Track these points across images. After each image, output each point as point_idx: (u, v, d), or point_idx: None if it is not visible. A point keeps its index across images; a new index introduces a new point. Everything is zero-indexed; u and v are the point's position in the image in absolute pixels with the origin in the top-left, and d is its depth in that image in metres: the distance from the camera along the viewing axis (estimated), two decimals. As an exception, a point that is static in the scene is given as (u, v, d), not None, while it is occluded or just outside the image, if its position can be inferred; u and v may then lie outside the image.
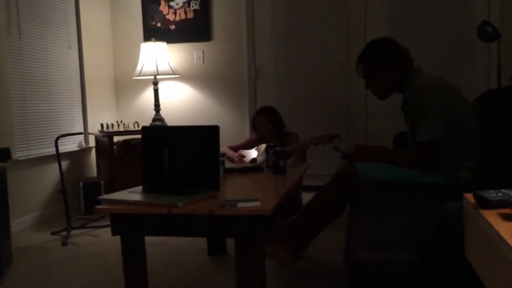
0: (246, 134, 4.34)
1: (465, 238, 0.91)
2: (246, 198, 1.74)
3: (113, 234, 1.82)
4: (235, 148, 3.50)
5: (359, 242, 1.21)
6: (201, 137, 1.95)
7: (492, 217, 0.76)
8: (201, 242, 2.93)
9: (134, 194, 1.90)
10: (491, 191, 0.82)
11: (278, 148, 2.42)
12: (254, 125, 3.43)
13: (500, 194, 0.80)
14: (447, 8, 3.98)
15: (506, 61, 3.62)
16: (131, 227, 1.79)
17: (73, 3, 4.15)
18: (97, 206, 1.80)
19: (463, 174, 2.10)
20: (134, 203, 1.79)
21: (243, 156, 3.37)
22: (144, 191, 1.96)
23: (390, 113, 3.98)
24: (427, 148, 2.10)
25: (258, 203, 1.66)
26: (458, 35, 3.98)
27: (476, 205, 0.83)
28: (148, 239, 2.76)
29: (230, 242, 2.82)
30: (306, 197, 2.83)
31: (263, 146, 3.35)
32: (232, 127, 4.43)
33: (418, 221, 1.31)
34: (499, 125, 2.16)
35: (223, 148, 3.41)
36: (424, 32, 4.02)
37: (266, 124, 3.34)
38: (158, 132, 2.09)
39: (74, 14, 4.17)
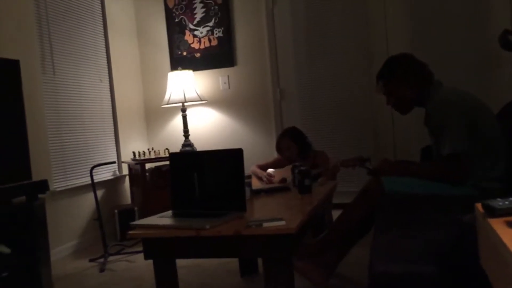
0: (274, 154, 4.37)
1: (479, 246, 0.92)
2: (271, 218, 1.79)
3: (146, 258, 1.89)
4: (264, 167, 3.52)
5: (380, 255, 1.23)
6: (227, 160, 2.02)
7: (498, 225, 0.78)
8: (233, 263, 2.96)
9: (164, 219, 1.97)
10: (499, 199, 0.84)
11: (303, 168, 2.45)
12: (279, 149, 3.43)
13: (507, 203, 0.82)
14: (468, 18, 3.96)
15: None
16: (162, 250, 1.85)
17: (103, 37, 4.35)
18: (130, 232, 1.88)
19: (488, 185, 2.08)
20: (164, 227, 1.86)
21: (272, 176, 3.41)
22: (174, 215, 2.03)
23: (418, 127, 3.95)
24: (453, 161, 2.09)
25: (283, 222, 1.70)
26: (480, 45, 3.94)
27: (484, 214, 0.85)
28: (182, 262, 2.82)
29: (261, 262, 2.85)
30: (337, 215, 2.84)
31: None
32: (259, 148, 4.49)
33: (440, 233, 1.32)
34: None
35: (252, 167, 3.45)
36: (446, 44, 4.00)
37: (290, 145, 3.34)
38: (185, 158, 2.17)
39: (104, 47, 4.36)
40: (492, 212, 0.82)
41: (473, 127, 2.09)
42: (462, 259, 1.02)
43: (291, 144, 3.34)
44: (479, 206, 0.89)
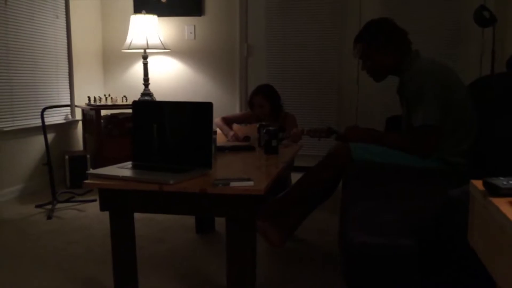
0: (237, 110, 4.29)
1: (470, 225, 0.89)
2: (238, 177, 1.72)
3: (102, 209, 1.78)
4: (230, 120, 3.41)
5: (356, 225, 1.20)
6: (194, 114, 1.91)
7: (503, 205, 0.74)
8: (189, 219, 2.90)
9: (124, 170, 1.85)
10: (501, 178, 0.80)
11: (271, 128, 2.38)
12: (251, 105, 3.33)
13: (511, 182, 0.78)
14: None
15: (500, 47, 3.61)
16: (120, 203, 1.75)
17: (62, -30, 4.02)
18: (85, 181, 1.76)
19: (455, 160, 2.10)
20: (124, 178, 1.75)
21: (238, 138, 3.31)
22: (134, 167, 1.92)
23: (382, 95, 3.96)
24: (423, 133, 2.07)
25: (251, 183, 1.64)
26: (453, 20, 3.95)
27: (485, 193, 0.81)
28: (136, 215, 2.73)
29: (218, 220, 2.80)
30: (296, 177, 2.81)
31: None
32: (222, 103, 4.37)
33: (415, 205, 1.30)
34: (491, 111, 2.15)
35: (217, 119, 3.33)
36: (419, 16, 3.98)
37: (264, 104, 3.23)
38: (150, 107, 2.04)
39: (62, -18, 4.03)
40: (496, 191, 0.77)
41: (448, 101, 2.08)
42: (445, 234, 1.00)
43: (264, 102, 3.24)
44: (477, 183, 0.85)
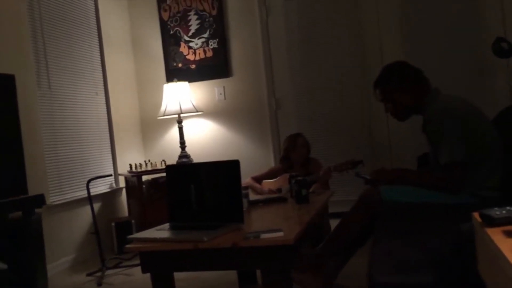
0: (271, 163, 4.38)
1: (478, 256, 0.92)
2: (269, 229, 1.78)
3: (143, 271, 1.88)
4: (259, 178, 3.53)
5: (380, 265, 1.23)
6: (223, 172, 2.02)
7: (496, 234, 0.78)
8: (231, 275, 2.94)
9: (161, 232, 1.96)
10: (496, 209, 0.85)
11: (300, 178, 2.45)
12: (295, 146, 3.48)
13: (504, 212, 0.82)
14: (462, 26, 4.00)
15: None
16: (160, 263, 1.84)
17: (98, 50, 4.36)
18: (127, 245, 1.87)
19: (486, 194, 2.08)
20: (161, 240, 1.85)
21: (271, 191, 3.40)
22: (171, 228, 2.03)
23: (413, 134, 3.96)
24: (451, 169, 2.09)
25: (281, 233, 1.70)
26: (474, 53, 3.97)
27: (482, 223, 0.85)
28: (180, 275, 2.80)
29: (260, 273, 2.83)
30: (334, 224, 2.83)
31: (287, 176, 3.38)
32: (256, 158, 4.48)
33: (438, 242, 1.32)
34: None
35: (246, 179, 3.46)
36: (440, 51, 4.03)
37: (305, 144, 3.49)
38: (182, 170, 2.17)
39: (100, 61, 4.37)
40: (490, 221, 0.82)
41: (471, 136, 2.10)
42: (461, 268, 1.02)
43: (306, 143, 3.50)
44: (476, 215, 0.89)
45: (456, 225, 1.49)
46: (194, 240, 1.75)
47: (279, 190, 3.34)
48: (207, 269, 1.83)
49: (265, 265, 1.71)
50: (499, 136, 2.18)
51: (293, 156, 3.49)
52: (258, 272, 2.83)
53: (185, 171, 2.13)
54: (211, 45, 4.59)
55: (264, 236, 1.69)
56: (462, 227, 1.06)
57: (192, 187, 2.06)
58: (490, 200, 2.08)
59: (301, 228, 1.81)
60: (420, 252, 1.27)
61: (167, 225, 2.08)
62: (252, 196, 2.88)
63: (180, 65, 4.69)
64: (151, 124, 4.83)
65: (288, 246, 1.67)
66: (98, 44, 4.36)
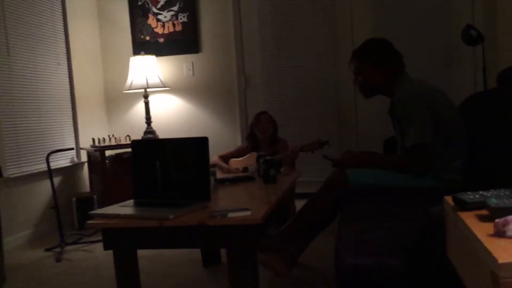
0: (238, 142, 4.35)
1: (447, 239, 0.92)
2: (236, 207, 1.76)
3: (106, 248, 1.83)
4: (226, 157, 3.52)
5: (347, 247, 1.23)
6: (191, 149, 1.97)
7: (469, 218, 0.78)
8: (195, 253, 2.92)
9: (125, 208, 1.91)
10: (469, 193, 0.84)
11: (268, 157, 2.44)
12: (258, 121, 3.47)
13: (477, 196, 0.82)
14: (431, 14, 4.04)
15: (491, 63, 3.66)
16: (123, 241, 1.79)
17: (61, 19, 4.17)
18: (89, 221, 1.81)
19: (450, 177, 2.13)
20: (125, 217, 1.80)
21: (237, 170, 3.39)
22: (136, 205, 1.97)
23: (380, 116, 4.01)
24: (416, 152, 2.12)
25: (248, 212, 1.68)
26: (443, 40, 4.03)
27: (455, 208, 0.85)
28: (142, 252, 2.75)
29: (224, 252, 2.82)
30: (300, 204, 2.85)
31: (254, 155, 3.37)
32: (224, 136, 4.44)
33: (406, 225, 1.33)
34: (485, 126, 2.19)
35: (213, 157, 3.43)
36: (409, 38, 4.06)
37: (270, 121, 3.49)
38: (148, 146, 2.11)
39: (63, 30, 4.19)
40: (463, 206, 0.81)
41: (437, 120, 2.13)
42: (430, 251, 1.03)
43: (271, 120, 3.50)
44: (449, 199, 0.89)
45: (422, 208, 1.51)
46: (159, 217, 1.71)
47: (245, 169, 3.32)
48: (172, 247, 1.79)
49: (232, 244, 1.69)
50: (463, 122, 2.22)
51: (258, 133, 3.48)
52: (222, 251, 2.82)
53: (151, 147, 2.07)
54: (181, 18, 4.47)
55: (231, 215, 1.67)
56: (431, 211, 1.06)
57: (158, 164, 2.01)
58: (454, 183, 2.13)
59: (269, 207, 1.80)
60: (387, 234, 1.28)
61: (131, 202, 2.02)
62: (219, 175, 2.84)
63: (147, 38, 4.56)
64: (116, 98, 4.70)
65: (255, 226, 1.65)
66: (61, 12, 4.18)
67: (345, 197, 2.12)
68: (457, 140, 2.17)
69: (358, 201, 1.87)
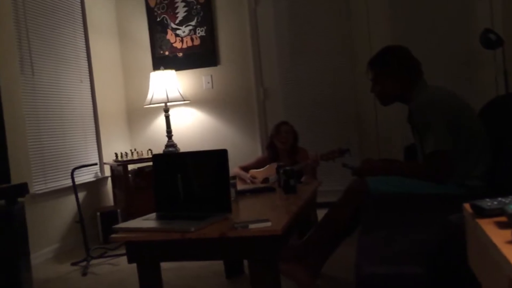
0: (258, 153, 4.37)
1: (468, 247, 0.92)
2: (257, 219, 1.77)
3: (129, 262, 1.86)
4: (246, 168, 3.53)
5: (367, 256, 1.23)
6: (211, 161, 2.00)
7: (488, 225, 0.78)
8: (218, 265, 2.94)
9: (148, 221, 1.94)
10: (487, 200, 0.84)
11: (288, 168, 2.44)
12: (278, 132, 3.47)
13: (495, 203, 0.82)
14: (450, 18, 4.01)
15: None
16: (146, 254, 1.82)
17: (83, 38, 4.28)
18: (112, 235, 1.84)
19: (472, 183, 2.10)
20: (148, 230, 1.82)
21: (255, 177, 3.40)
22: (158, 218, 2.00)
23: (401, 124, 3.98)
24: (436, 159, 2.10)
25: (268, 224, 1.69)
26: (463, 45, 3.99)
27: (473, 215, 0.84)
28: (166, 264, 2.78)
29: (247, 264, 2.83)
30: (321, 214, 2.84)
31: (274, 165, 3.38)
32: (243, 148, 4.47)
33: (427, 233, 1.32)
34: (508, 130, 2.16)
35: (234, 169, 3.45)
36: (428, 43, 4.03)
37: (290, 132, 3.47)
38: (169, 159, 2.14)
39: (84, 48, 4.29)
40: (481, 213, 0.81)
41: (456, 126, 2.11)
42: (450, 259, 1.02)
43: (291, 131, 3.47)
44: (467, 206, 0.89)
45: (443, 215, 1.49)
46: (181, 230, 1.74)
47: (266, 179, 3.33)
48: (194, 259, 1.81)
49: (253, 256, 1.70)
50: (484, 127, 2.20)
51: (278, 143, 3.48)
52: (245, 263, 2.83)
53: (172, 160, 2.11)
54: (199, 33, 4.54)
55: (252, 226, 1.68)
56: (450, 218, 1.05)
57: (179, 176, 2.04)
58: (477, 190, 2.10)
59: (289, 218, 1.80)
60: (407, 243, 1.27)
61: (153, 215, 2.05)
62: (240, 186, 2.86)
63: (167, 53, 4.64)
64: (137, 113, 4.78)
65: (276, 236, 1.66)
66: (83, 31, 4.29)
67: (365, 205, 2.10)
68: (479, 146, 2.14)
69: (379, 210, 1.86)
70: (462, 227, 0.99)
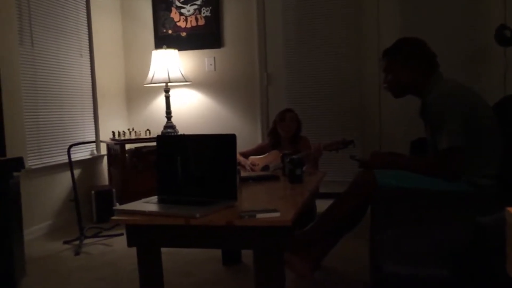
0: (258, 140, 4.30)
1: (508, 253, 0.86)
2: (265, 208, 1.71)
3: (129, 245, 1.79)
4: (246, 154, 3.47)
5: (387, 255, 1.17)
6: (218, 146, 1.92)
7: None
8: (215, 252, 2.88)
9: (150, 205, 1.87)
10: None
11: (294, 157, 2.38)
12: (283, 119, 3.40)
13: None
14: (463, 13, 3.93)
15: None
16: (147, 238, 1.76)
17: (85, 11, 4.16)
18: (113, 217, 1.77)
19: (484, 182, 2.05)
20: (150, 213, 1.76)
21: (255, 164, 3.34)
22: (160, 201, 1.93)
23: (404, 117, 3.93)
24: (449, 155, 2.04)
25: (277, 214, 1.63)
26: (473, 41, 3.92)
27: (519, 220, 0.78)
28: (163, 249, 2.72)
29: (244, 252, 2.77)
30: (320, 204, 2.79)
31: (275, 153, 3.31)
32: (244, 133, 4.39)
33: (446, 233, 1.27)
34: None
35: None
36: (439, 38, 3.95)
37: (294, 120, 3.41)
38: (174, 141, 2.06)
39: (86, 22, 4.17)
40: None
41: (471, 123, 2.05)
42: (480, 262, 0.97)
43: (296, 118, 3.42)
44: (511, 210, 0.82)
45: (464, 214, 1.44)
46: (185, 215, 1.67)
47: (266, 167, 3.27)
48: (197, 247, 1.75)
49: (260, 246, 1.64)
50: (498, 125, 2.14)
51: (281, 131, 3.41)
52: (244, 251, 2.77)
53: (177, 143, 2.03)
54: (204, 13, 4.43)
55: (260, 216, 1.61)
56: (480, 220, 1.00)
57: (182, 160, 1.97)
58: (487, 188, 2.05)
59: (297, 209, 1.74)
60: (428, 242, 1.22)
61: (155, 198, 1.98)
62: (242, 173, 2.80)
63: (170, 31, 4.52)
64: (136, 91, 4.68)
65: (285, 227, 1.60)
66: (85, 4, 4.16)
67: (374, 199, 2.05)
68: (492, 144, 2.09)
69: (389, 205, 1.81)
70: (495, 229, 0.93)
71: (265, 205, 1.79)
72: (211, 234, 1.67)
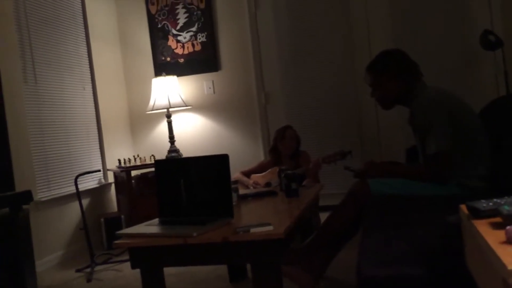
0: (260, 158, 4.38)
1: (465, 248, 0.93)
2: (259, 223, 1.78)
3: (133, 267, 1.87)
4: (248, 173, 3.55)
5: (368, 258, 1.24)
6: (212, 166, 2.01)
7: (482, 226, 0.79)
8: (221, 269, 2.94)
9: (151, 227, 1.95)
10: (483, 201, 0.85)
11: (289, 171, 2.46)
12: (283, 137, 3.48)
13: (491, 204, 0.83)
14: (449, 19, 4.02)
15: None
16: (149, 259, 1.83)
17: (85, 45, 4.31)
18: (116, 241, 1.86)
19: (474, 184, 2.11)
20: (150, 235, 1.84)
21: (258, 184, 3.41)
22: (161, 223, 2.02)
23: (402, 127, 3.98)
24: (437, 160, 2.11)
25: (270, 227, 1.70)
26: (462, 45, 4.00)
27: (469, 216, 0.85)
28: (170, 270, 2.80)
29: (250, 268, 2.83)
30: (324, 217, 2.84)
31: (276, 169, 3.39)
32: (246, 152, 4.48)
33: (427, 234, 1.33)
34: (509, 131, 2.17)
35: (236, 174, 3.46)
36: (426, 43, 4.04)
37: (294, 137, 3.50)
38: (171, 164, 2.16)
39: (87, 55, 4.32)
40: (477, 213, 0.82)
41: (457, 127, 2.12)
42: (449, 260, 1.03)
43: (295, 136, 3.50)
44: (463, 207, 0.90)
45: (443, 216, 1.50)
46: (183, 235, 1.75)
47: (268, 184, 3.34)
48: (197, 264, 1.83)
49: (255, 259, 1.71)
50: (484, 128, 2.20)
51: (281, 148, 3.49)
52: (249, 266, 2.83)
53: (174, 166, 2.12)
54: (200, 38, 4.57)
55: (253, 230, 1.69)
56: (448, 219, 1.06)
57: (181, 182, 2.06)
58: (477, 190, 2.11)
59: (291, 221, 1.81)
60: (408, 244, 1.28)
61: (156, 221, 2.07)
62: (242, 191, 2.87)
63: (168, 59, 4.66)
64: (139, 119, 4.80)
65: (278, 240, 1.67)
66: (84, 38, 4.32)
67: (367, 207, 2.11)
68: (479, 147, 2.15)
69: (380, 212, 1.87)
70: (459, 227, 1.00)
71: (261, 220, 1.86)
72: (209, 251, 1.74)
